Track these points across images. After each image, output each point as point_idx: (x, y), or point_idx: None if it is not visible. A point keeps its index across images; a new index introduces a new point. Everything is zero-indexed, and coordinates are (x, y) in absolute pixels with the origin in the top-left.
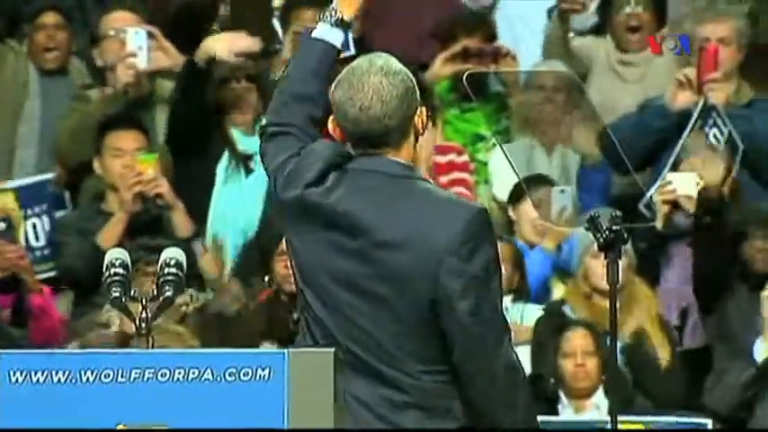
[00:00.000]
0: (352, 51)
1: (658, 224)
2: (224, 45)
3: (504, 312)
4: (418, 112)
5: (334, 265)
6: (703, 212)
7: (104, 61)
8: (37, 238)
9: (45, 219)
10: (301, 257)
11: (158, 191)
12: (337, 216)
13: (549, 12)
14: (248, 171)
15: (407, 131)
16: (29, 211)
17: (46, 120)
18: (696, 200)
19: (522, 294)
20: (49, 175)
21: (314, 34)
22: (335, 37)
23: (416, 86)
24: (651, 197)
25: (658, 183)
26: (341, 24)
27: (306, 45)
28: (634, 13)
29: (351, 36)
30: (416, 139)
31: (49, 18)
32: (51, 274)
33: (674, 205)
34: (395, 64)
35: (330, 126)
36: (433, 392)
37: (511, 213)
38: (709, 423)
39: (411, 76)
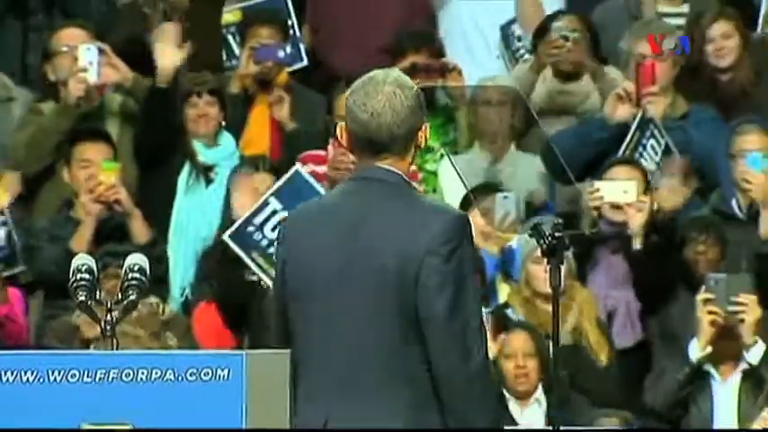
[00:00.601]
0: (305, 62)
1: (587, 230)
2: (173, 54)
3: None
4: (423, 127)
5: (331, 272)
6: (656, 232)
7: (57, 76)
8: None
9: None
10: (298, 271)
11: (116, 197)
12: (334, 223)
13: (503, 29)
14: (208, 181)
15: (410, 143)
16: None
17: None
18: (648, 221)
19: (483, 300)
20: None
21: None
22: None
23: (424, 103)
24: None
25: (587, 191)
26: None
27: None
28: (573, 39)
29: (303, 47)
30: (415, 153)
31: None
32: (6, 273)
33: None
34: (408, 79)
35: (338, 132)
36: (432, 390)
37: None
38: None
39: (421, 92)
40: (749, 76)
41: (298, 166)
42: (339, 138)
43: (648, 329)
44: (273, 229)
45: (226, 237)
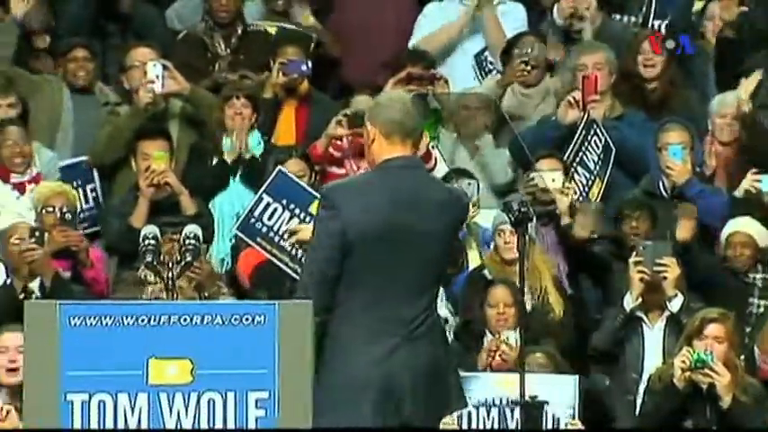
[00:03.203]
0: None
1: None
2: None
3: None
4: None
5: (391, 230)
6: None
7: (130, 85)
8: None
9: (80, 190)
10: (361, 228)
11: (166, 180)
12: (387, 192)
13: (476, 56)
14: (235, 173)
15: (422, 135)
16: (73, 184)
17: (77, 126)
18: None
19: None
20: (84, 158)
21: None
22: None
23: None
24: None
25: (524, 179)
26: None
27: None
28: (532, 56)
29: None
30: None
31: (80, 52)
32: (92, 230)
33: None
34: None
35: (366, 134)
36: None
37: None
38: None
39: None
40: (668, 87)
41: (279, 167)
42: (366, 137)
43: (580, 285)
44: (270, 218)
45: (234, 230)
